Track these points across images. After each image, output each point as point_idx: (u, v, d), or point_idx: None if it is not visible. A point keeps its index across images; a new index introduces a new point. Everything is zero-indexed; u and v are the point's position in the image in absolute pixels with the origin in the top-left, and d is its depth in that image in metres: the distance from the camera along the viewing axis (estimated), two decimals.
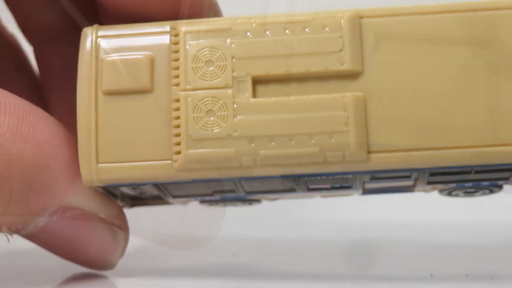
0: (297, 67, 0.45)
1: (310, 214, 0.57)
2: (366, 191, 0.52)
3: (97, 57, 0.46)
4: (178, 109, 0.45)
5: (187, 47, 0.45)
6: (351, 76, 0.45)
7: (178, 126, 0.45)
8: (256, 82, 0.45)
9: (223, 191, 0.50)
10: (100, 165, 0.45)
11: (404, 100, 0.44)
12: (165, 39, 0.46)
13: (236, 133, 0.44)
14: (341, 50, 0.45)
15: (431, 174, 0.47)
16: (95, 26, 0.47)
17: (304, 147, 0.44)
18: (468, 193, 0.52)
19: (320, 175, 0.46)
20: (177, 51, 0.46)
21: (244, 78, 0.45)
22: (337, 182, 0.48)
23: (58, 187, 0.47)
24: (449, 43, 0.45)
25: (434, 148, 0.44)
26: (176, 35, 0.46)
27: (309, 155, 0.44)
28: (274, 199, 0.55)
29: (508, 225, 0.58)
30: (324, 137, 0.44)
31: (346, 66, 0.45)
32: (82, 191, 0.48)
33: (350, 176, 0.47)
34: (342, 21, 0.45)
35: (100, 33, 0.47)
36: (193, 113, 0.45)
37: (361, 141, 0.44)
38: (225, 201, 0.53)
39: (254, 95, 0.45)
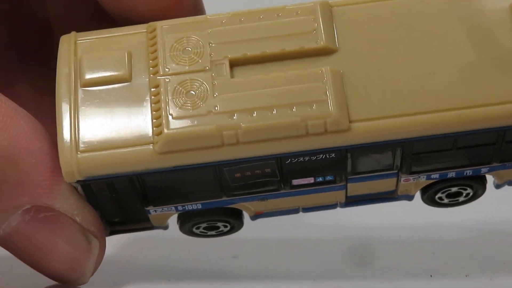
0: (273, 48, 0.47)
1: (310, 215, 0.57)
2: (348, 200, 0.51)
3: (75, 56, 0.48)
4: (157, 94, 0.46)
5: (165, 39, 0.47)
6: (326, 53, 0.47)
7: (158, 110, 0.46)
8: (234, 64, 0.47)
9: (204, 191, 0.48)
10: (80, 154, 0.45)
11: (378, 72, 0.46)
12: (142, 36, 0.48)
13: (216, 109, 0.45)
14: (314, 30, 0.47)
15: (414, 154, 0.47)
16: (73, 33, 0.49)
17: (286, 116, 0.45)
18: (452, 198, 0.51)
19: (304, 153, 0.45)
20: (154, 44, 0.48)
21: (221, 61, 0.46)
22: (320, 170, 0.47)
23: (33, 182, 0.45)
24: (409, 20, 0.47)
25: (414, 113, 0.45)
26: (153, 31, 0.48)
27: (291, 126, 0.45)
28: (257, 214, 0.52)
29: (507, 227, 0.58)
30: (305, 107, 0.45)
31: (322, 43, 0.47)
32: (58, 190, 0.46)
33: (332, 160, 0.46)
34: (315, 5, 0.47)
35: (78, 37, 0.49)
36: (173, 95, 0.46)
37: (341, 108, 0.45)
38: (207, 220, 0.51)
39: (232, 76, 0.46)
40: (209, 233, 0.52)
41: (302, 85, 0.45)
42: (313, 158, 0.46)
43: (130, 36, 0.48)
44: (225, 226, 0.52)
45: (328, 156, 0.46)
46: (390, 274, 0.53)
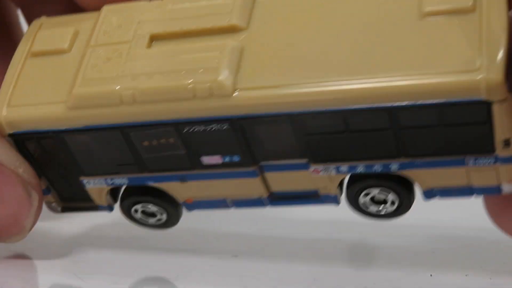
0: (189, 25, 0.51)
1: (310, 214, 0.57)
2: (272, 196, 0.52)
3: (35, 34, 0.55)
4: (82, 60, 0.52)
5: (105, 17, 0.54)
6: (234, 31, 0.50)
7: (77, 73, 0.52)
8: (154, 38, 0.52)
9: (125, 163, 0.52)
10: (10, 108, 0.52)
11: (279, 49, 0.49)
12: (92, 17, 0.54)
13: (122, 73, 0.50)
14: (230, 10, 0.51)
15: (308, 135, 0.48)
16: (43, 17, 0.56)
17: (177, 80, 0.49)
18: (377, 206, 0.51)
19: (195, 120, 0.49)
20: (96, 22, 0.54)
21: (143, 35, 0.52)
22: (222, 146, 0.50)
23: None
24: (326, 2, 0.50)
25: (299, 84, 0.47)
26: (101, 12, 0.54)
27: (180, 88, 0.49)
28: (187, 202, 0.55)
29: None
30: (196, 72, 0.49)
31: (231, 22, 0.51)
32: (1, 142, 0.51)
33: (230, 134, 0.49)
34: None
35: (47, 21, 0.56)
36: (93, 61, 0.52)
37: (228, 75, 0.48)
38: (140, 200, 0.55)
39: (149, 47, 0.51)
40: (150, 221, 0.56)
41: (200, 55, 0.49)
42: (208, 128, 0.49)
43: (85, 19, 0.55)
44: (161, 214, 0.56)
45: (222, 128, 0.49)
46: (390, 273, 0.53)
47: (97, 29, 0.53)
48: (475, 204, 0.52)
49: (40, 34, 0.55)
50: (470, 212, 0.53)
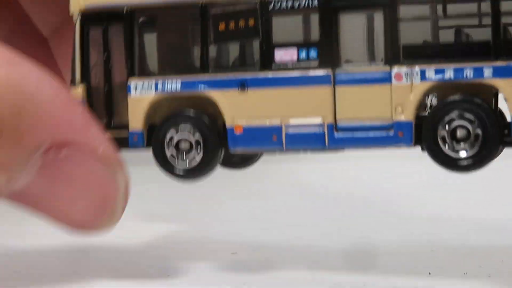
0: None
1: (309, 213, 0.57)
2: (337, 129, 0.46)
3: None
4: None
5: None
6: None
7: None
8: None
9: (186, 60, 0.51)
10: None
11: None
12: None
13: None
14: None
15: (397, 20, 0.44)
16: None
17: None
18: (458, 144, 0.44)
19: None
20: None
21: None
22: (303, 33, 0.48)
23: (51, 116, 0.42)
24: None
25: None
26: None
27: None
28: (236, 130, 0.49)
29: (506, 225, 0.59)
30: None
31: None
32: (77, 120, 0.43)
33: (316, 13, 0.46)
34: None
35: None
36: None
37: None
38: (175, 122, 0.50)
39: None
40: (180, 163, 0.50)
41: None
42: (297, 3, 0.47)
43: None
44: (198, 150, 0.50)
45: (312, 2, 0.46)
46: (389, 271, 0.53)
47: None
48: (475, 203, 0.52)
49: None
50: (469, 211, 0.53)
